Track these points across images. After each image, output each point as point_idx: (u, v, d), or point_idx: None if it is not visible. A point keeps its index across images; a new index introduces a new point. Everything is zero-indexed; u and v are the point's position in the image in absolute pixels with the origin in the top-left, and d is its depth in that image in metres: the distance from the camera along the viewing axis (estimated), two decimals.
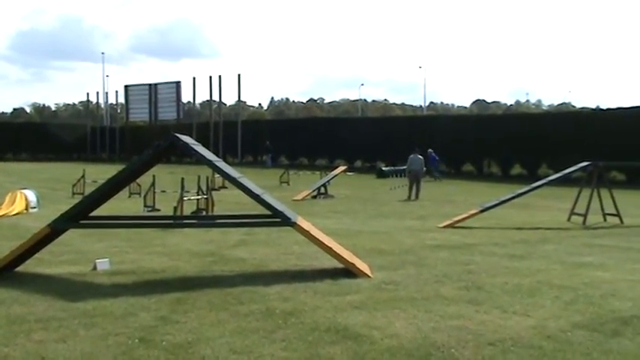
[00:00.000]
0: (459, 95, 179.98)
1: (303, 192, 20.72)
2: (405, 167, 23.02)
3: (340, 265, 7.52)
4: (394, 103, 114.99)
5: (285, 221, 7.54)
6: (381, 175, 33.01)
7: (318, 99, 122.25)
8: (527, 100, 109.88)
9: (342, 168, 26.11)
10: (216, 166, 7.79)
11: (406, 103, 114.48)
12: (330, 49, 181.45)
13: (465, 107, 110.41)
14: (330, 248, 7.52)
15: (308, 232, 7.56)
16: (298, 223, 7.54)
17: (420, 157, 21.25)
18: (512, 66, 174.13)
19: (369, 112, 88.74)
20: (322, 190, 21.36)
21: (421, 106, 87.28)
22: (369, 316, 5.61)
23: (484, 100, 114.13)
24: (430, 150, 31.16)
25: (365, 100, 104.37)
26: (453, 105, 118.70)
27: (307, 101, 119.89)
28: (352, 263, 7.45)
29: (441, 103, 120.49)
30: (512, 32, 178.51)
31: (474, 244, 10.32)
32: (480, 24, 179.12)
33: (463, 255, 9.15)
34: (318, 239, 7.58)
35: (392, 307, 5.90)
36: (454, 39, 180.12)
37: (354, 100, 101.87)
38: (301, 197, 19.86)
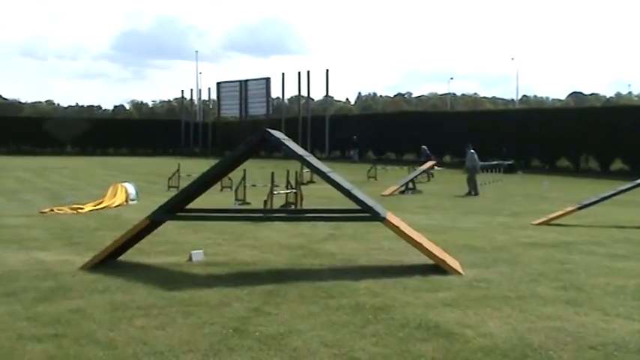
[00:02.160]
0: (554, 87, 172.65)
1: (390, 187, 20.59)
2: (496, 162, 22.52)
3: (430, 262, 7.42)
4: (485, 97, 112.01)
5: (375, 216, 7.50)
6: None
7: (406, 93, 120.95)
8: (630, 92, 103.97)
9: (430, 163, 25.75)
10: (307, 161, 7.87)
11: (497, 96, 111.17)
12: (419, 42, 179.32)
13: (560, 100, 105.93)
14: (421, 244, 7.43)
15: (398, 227, 7.50)
16: (388, 218, 7.49)
17: (472, 152, 20.88)
18: (612, 56, 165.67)
19: (458, 106, 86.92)
20: (410, 185, 21.16)
21: (513, 100, 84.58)
22: (461, 313, 5.50)
23: (581, 93, 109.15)
24: (424, 147, 31.09)
25: (454, 94, 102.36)
26: (547, 98, 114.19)
27: (395, 96, 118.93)
28: (443, 260, 7.33)
29: (534, 96, 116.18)
30: (610, 20, 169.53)
31: (571, 242, 9.89)
32: (576, 12, 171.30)
33: (560, 253, 8.78)
34: (408, 235, 7.51)
35: (485, 306, 5.75)
36: (548, 29, 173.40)
37: (443, 94, 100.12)
38: (389, 192, 19.75)
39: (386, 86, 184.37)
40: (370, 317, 5.37)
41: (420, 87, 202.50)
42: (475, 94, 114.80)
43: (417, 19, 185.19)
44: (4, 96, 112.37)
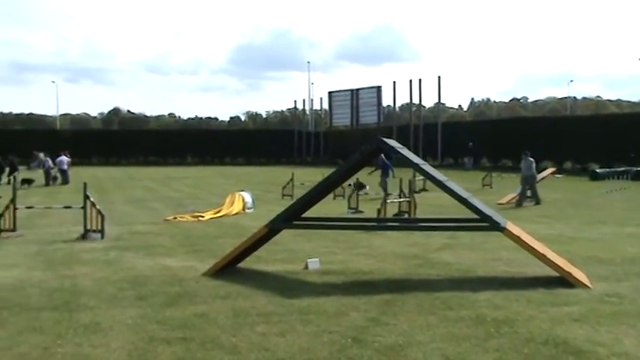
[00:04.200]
0: None
1: (507, 195, 19.88)
2: (623, 169, 21.09)
3: (554, 274, 7.07)
4: (609, 100, 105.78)
5: (494, 226, 7.27)
6: (595, 177, 30.49)
7: (522, 98, 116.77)
8: None
9: (550, 170, 24.69)
10: (423, 169, 7.77)
11: (622, 99, 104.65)
12: (535, 45, 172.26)
13: None
14: (544, 255, 7.10)
15: (519, 237, 7.22)
16: (508, 228, 7.23)
17: (530, 159, 19.09)
18: None
19: (578, 110, 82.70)
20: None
21: None
22: (592, 330, 5.19)
23: None
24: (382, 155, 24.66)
25: (574, 97, 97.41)
26: None
27: (510, 101, 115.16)
28: (568, 272, 6.96)
29: None
30: None
31: None
32: None
33: None
34: (529, 245, 7.20)
35: (618, 322, 5.39)
36: None
37: (562, 98, 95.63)
38: (506, 201, 19.09)
39: (500, 91, 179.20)
40: (492, 331, 5.19)
41: (537, 91, 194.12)
42: (598, 97, 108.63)
43: (533, 19, 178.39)
44: (132, 110, 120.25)
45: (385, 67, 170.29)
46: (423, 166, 7.88)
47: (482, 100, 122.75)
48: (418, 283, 7.19)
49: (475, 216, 7.50)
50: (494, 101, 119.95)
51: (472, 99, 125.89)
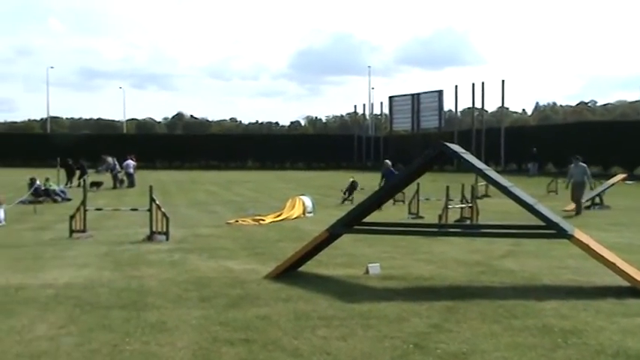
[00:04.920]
0: None
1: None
2: None
3: (625, 283, 6.82)
4: None
5: (561, 233, 7.06)
6: None
7: (590, 102, 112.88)
8: None
9: (620, 176, 23.78)
10: (487, 175, 7.64)
11: None
12: (605, 46, 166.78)
13: None
14: (614, 263, 6.86)
15: (587, 245, 7.00)
16: (576, 235, 7.02)
17: (583, 165, 17.69)
18: None
19: None
20: (597, 200, 19.69)
21: None
22: None
23: None
24: (387, 161, 22.82)
25: None
26: None
27: (577, 104, 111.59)
28: None
29: None
30: None
31: None
32: None
33: None
34: (598, 253, 6.97)
35: None
36: None
37: (634, 102, 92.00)
38: (572, 208, 18.51)
39: (567, 95, 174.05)
40: (560, 341, 5.04)
41: (607, 94, 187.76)
42: None
43: (602, 20, 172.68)
44: (195, 115, 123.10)
45: (447, 71, 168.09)
46: (487, 172, 7.75)
47: (548, 104, 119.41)
48: (481, 291, 7.06)
49: (540, 223, 7.31)
50: (561, 105, 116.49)
51: (537, 103, 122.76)
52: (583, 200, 18.61)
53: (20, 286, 7.32)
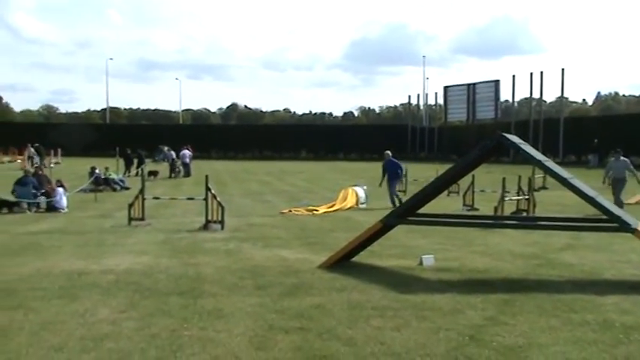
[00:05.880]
0: None
1: (636, 195, 18.63)
2: None
3: None
4: None
5: (624, 227, 6.84)
6: None
7: None
8: None
9: None
10: (546, 166, 7.46)
11: None
12: None
13: None
14: None
15: None
16: (639, 229, 6.79)
17: (625, 159, 16.05)
18: None
19: None
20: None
21: None
22: None
23: None
24: (388, 151, 17.88)
25: None
26: None
27: None
28: None
29: None
30: None
31: None
32: None
33: None
34: None
35: None
36: None
37: None
38: (635, 201, 17.89)
39: (630, 84, 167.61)
40: (621, 337, 4.91)
41: None
42: None
43: None
44: (249, 106, 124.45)
45: (504, 60, 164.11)
46: (546, 163, 7.57)
47: (610, 93, 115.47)
48: (538, 284, 6.93)
49: (601, 216, 7.11)
50: (623, 95, 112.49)
51: (598, 93, 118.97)
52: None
53: (83, 271, 7.59)
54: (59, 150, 44.16)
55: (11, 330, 5.13)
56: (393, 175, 16.77)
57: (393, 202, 15.80)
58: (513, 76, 49.85)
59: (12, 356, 4.48)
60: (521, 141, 7.67)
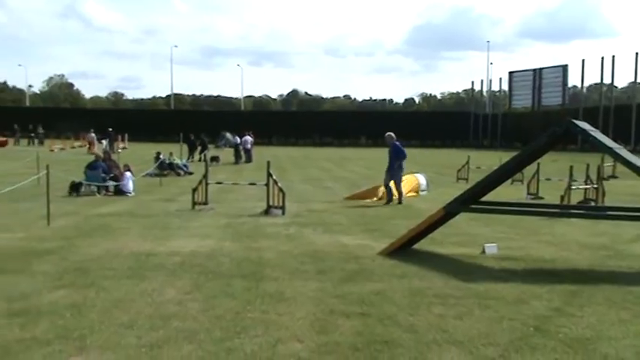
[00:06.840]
0: None
1: None
2: None
3: None
4: None
5: None
6: None
7: None
8: None
9: None
10: (618, 154, 7.19)
11: None
12: None
13: None
14: None
15: None
16: None
17: None
18: None
19: None
20: None
21: None
22: None
23: None
24: (390, 133, 16.26)
25: None
26: None
27: None
28: None
29: None
30: None
31: None
32: None
33: None
34: None
35: None
36: None
37: None
38: None
39: None
40: None
41: None
42: None
43: None
44: (309, 92, 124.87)
45: (573, 44, 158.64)
46: (618, 151, 7.29)
47: None
48: (607, 275, 6.72)
49: None
50: None
51: None
52: None
53: (150, 252, 7.82)
54: (126, 135, 45.56)
55: (85, 307, 5.35)
56: (397, 156, 15.04)
57: (392, 190, 14.23)
58: (583, 61, 48.32)
59: (85, 332, 4.67)
60: (591, 127, 7.41)
